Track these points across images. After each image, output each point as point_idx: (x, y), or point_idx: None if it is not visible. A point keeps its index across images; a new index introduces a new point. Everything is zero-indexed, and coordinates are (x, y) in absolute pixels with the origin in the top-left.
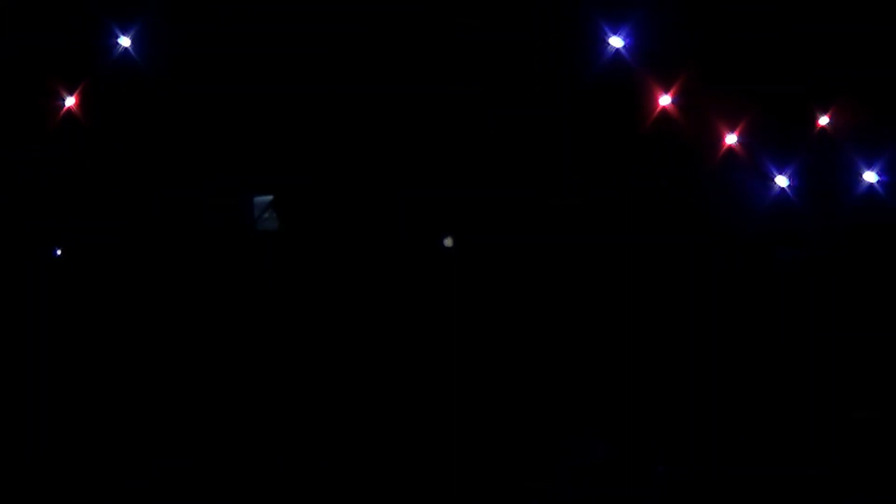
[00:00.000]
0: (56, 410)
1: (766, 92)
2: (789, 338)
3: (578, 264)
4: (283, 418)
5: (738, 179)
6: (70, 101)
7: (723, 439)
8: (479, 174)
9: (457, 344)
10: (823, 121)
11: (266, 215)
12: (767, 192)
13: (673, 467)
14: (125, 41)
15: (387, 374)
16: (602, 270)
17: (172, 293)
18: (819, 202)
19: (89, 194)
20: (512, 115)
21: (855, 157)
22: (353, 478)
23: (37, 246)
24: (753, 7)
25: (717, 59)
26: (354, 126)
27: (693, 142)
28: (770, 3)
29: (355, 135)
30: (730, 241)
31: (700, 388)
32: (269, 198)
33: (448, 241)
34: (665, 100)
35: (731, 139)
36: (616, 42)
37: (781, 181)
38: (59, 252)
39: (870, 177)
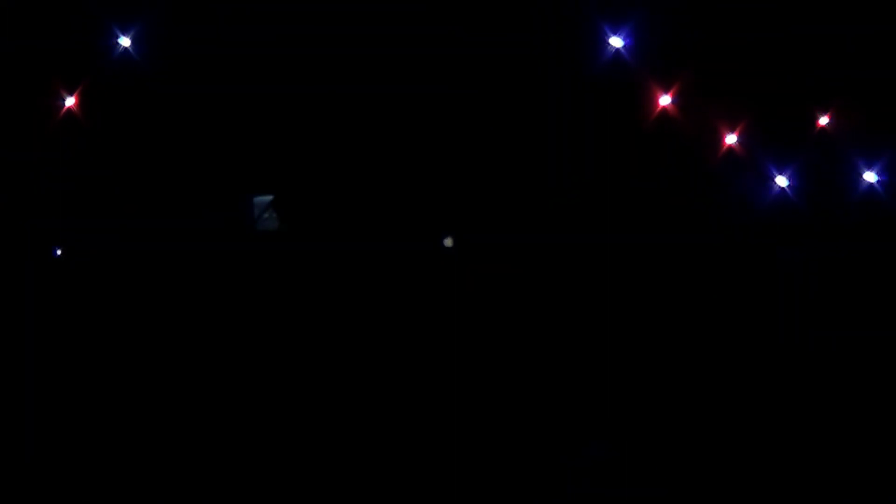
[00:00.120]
0: (56, 411)
1: (766, 92)
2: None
3: (578, 264)
4: (283, 420)
5: (738, 179)
6: (70, 102)
7: (722, 439)
8: (479, 174)
9: (457, 345)
10: (823, 121)
11: (266, 215)
12: (767, 192)
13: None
14: (125, 41)
15: (387, 375)
16: (602, 270)
17: (172, 293)
18: (819, 202)
19: (89, 194)
20: (512, 114)
21: (855, 157)
22: (352, 478)
23: (37, 246)
24: (753, 7)
25: (717, 59)
26: (354, 126)
27: (693, 142)
28: (770, 3)
29: (355, 135)
30: (730, 241)
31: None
32: (269, 198)
33: (448, 241)
34: (665, 100)
35: (731, 139)
36: (616, 42)
37: (781, 181)
38: (59, 252)
39: (870, 177)
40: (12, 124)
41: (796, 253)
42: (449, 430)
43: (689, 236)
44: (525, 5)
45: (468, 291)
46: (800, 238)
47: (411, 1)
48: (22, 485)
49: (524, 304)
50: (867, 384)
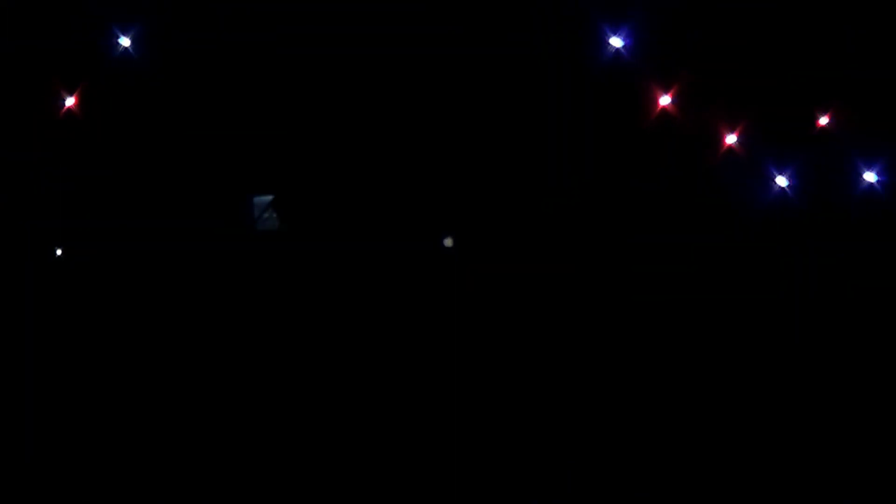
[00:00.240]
0: (56, 411)
1: (766, 92)
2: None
3: (578, 264)
4: (283, 421)
5: (738, 179)
6: (70, 102)
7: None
8: (479, 174)
9: (457, 344)
10: (823, 121)
11: (266, 215)
12: (767, 192)
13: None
14: (125, 41)
15: (387, 375)
16: (601, 270)
17: (172, 293)
18: (819, 202)
19: (89, 194)
20: (512, 114)
21: (855, 157)
22: (352, 478)
23: (37, 246)
24: (753, 7)
25: (717, 59)
26: (354, 126)
27: (693, 141)
28: (770, 3)
29: (355, 135)
30: (730, 241)
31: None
32: (269, 198)
33: (448, 241)
34: (665, 100)
35: (731, 139)
36: (616, 42)
37: (781, 181)
38: (59, 252)
39: (870, 177)
40: (12, 124)
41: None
42: (449, 429)
43: (689, 236)
44: (525, 5)
45: (468, 291)
46: (799, 238)
47: (412, 1)
48: (22, 485)
49: (524, 303)
50: (867, 384)
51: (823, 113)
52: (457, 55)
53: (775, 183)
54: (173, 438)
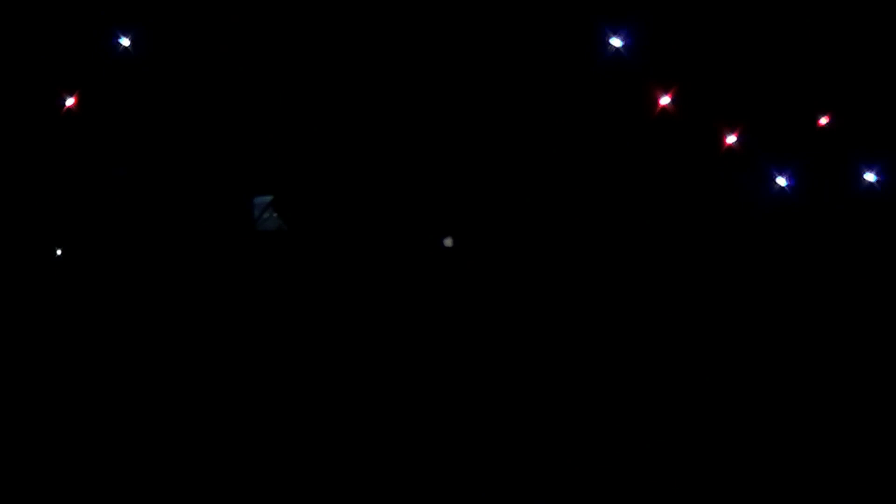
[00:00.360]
0: (56, 411)
1: (766, 92)
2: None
3: (578, 264)
4: (283, 421)
5: (738, 179)
6: (70, 102)
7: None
8: (479, 174)
9: (457, 344)
10: (823, 121)
11: (266, 215)
12: (767, 192)
13: None
14: (125, 41)
15: (386, 375)
16: (601, 270)
17: (172, 293)
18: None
19: (89, 194)
20: (511, 114)
21: (855, 157)
22: (352, 478)
23: (37, 246)
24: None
25: (717, 58)
26: (354, 126)
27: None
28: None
29: (355, 135)
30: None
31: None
32: (269, 198)
33: (448, 241)
34: (665, 100)
35: (731, 139)
36: (616, 42)
37: (781, 181)
38: (59, 252)
39: (870, 177)
40: (12, 124)
41: None
42: (449, 429)
43: (689, 236)
44: (525, 5)
45: (468, 291)
46: (799, 238)
47: (412, 1)
48: (22, 485)
49: (524, 303)
50: (866, 384)
51: (823, 113)
52: (457, 55)
53: (775, 183)
54: (173, 438)
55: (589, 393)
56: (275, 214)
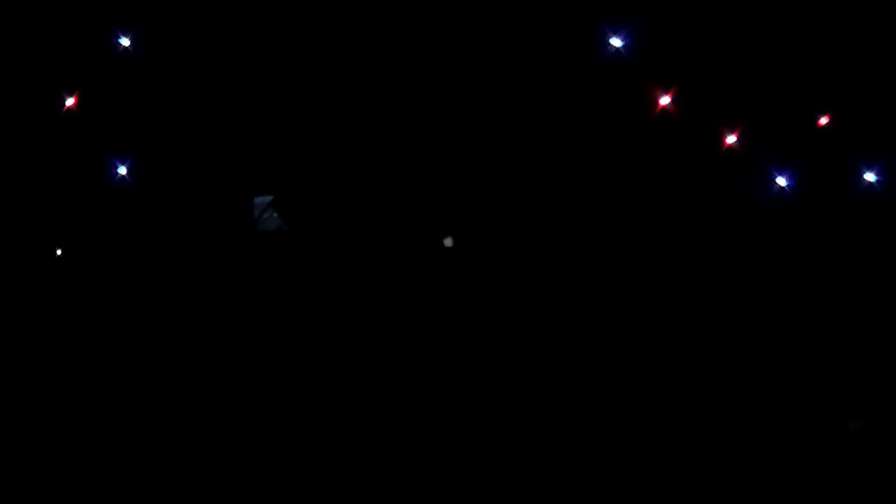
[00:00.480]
0: (56, 411)
1: (766, 92)
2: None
3: (578, 264)
4: (283, 421)
5: (738, 179)
6: (70, 101)
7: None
8: (479, 174)
9: (457, 344)
10: (823, 121)
11: (266, 215)
12: (767, 192)
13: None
14: (125, 41)
15: (386, 375)
16: (601, 270)
17: (172, 293)
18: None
19: (90, 194)
20: (511, 114)
21: (855, 157)
22: (352, 478)
23: (37, 246)
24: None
25: (717, 58)
26: (354, 126)
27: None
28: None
29: (355, 135)
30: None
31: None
32: (269, 198)
33: (448, 241)
34: (665, 100)
35: (731, 139)
36: (616, 42)
37: (781, 181)
38: (59, 252)
39: (870, 177)
40: (12, 124)
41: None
42: (449, 429)
43: (689, 236)
44: (525, 5)
45: (468, 291)
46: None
47: (412, 0)
48: (22, 485)
49: (524, 303)
50: (867, 383)
51: (823, 113)
52: (457, 55)
53: (775, 183)
54: (173, 438)
55: (589, 392)
56: (275, 214)
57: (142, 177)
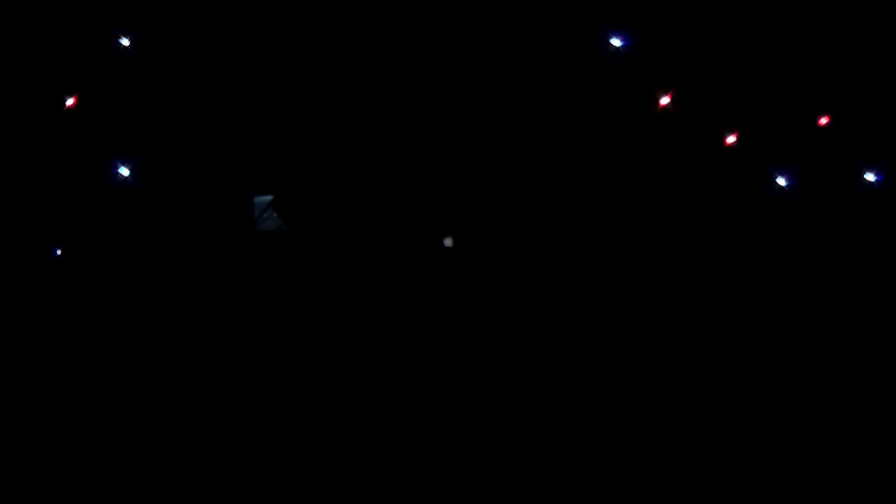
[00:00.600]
0: (55, 411)
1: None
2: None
3: (578, 264)
4: (283, 422)
5: (738, 179)
6: (70, 101)
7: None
8: (479, 174)
9: (457, 344)
10: (823, 121)
11: (266, 215)
12: (767, 192)
13: None
14: (125, 41)
15: (386, 375)
16: (601, 270)
17: (172, 293)
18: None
19: (90, 194)
20: (511, 114)
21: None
22: (352, 478)
23: (37, 246)
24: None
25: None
26: (354, 126)
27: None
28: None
29: (355, 135)
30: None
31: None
32: (269, 198)
33: (448, 241)
34: (665, 100)
35: (731, 139)
36: (616, 42)
37: (781, 181)
38: (58, 252)
39: (870, 177)
40: (12, 124)
41: None
42: (448, 429)
43: (689, 235)
44: (526, 5)
45: (468, 291)
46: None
47: (411, 1)
48: (22, 485)
49: (523, 303)
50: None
51: (823, 113)
52: (457, 55)
53: (775, 183)
54: (173, 438)
55: (589, 391)
56: (275, 214)
57: (142, 176)
